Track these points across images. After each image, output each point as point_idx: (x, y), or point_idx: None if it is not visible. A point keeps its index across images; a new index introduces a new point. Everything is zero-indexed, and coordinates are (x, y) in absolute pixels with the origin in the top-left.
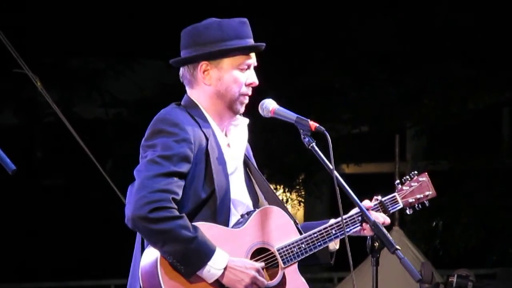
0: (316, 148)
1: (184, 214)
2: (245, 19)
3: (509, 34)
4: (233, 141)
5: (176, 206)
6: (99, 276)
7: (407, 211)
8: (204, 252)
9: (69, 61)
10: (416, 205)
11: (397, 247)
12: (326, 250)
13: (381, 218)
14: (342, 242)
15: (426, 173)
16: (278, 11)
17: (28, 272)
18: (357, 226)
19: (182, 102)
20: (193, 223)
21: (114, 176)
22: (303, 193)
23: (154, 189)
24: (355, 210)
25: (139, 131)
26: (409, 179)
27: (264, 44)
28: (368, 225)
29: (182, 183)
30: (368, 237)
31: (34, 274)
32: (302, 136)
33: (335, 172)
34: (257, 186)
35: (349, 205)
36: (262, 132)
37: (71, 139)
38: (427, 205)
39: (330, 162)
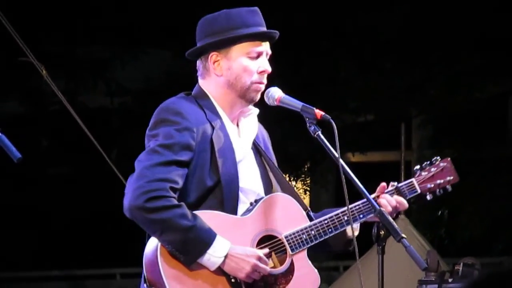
0: (322, 137)
1: (183, 203)
2: (255, 8)
3: None
4: (243, 130)
5: (174, 195)
6: (104, 265)
7: (427, 197)
8: (203, 241)
9: (75, 50)
10: (437, 190)
11: (403, 235)
12: (344, 237)
13: (394, 202)
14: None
15: (449, 159)
16: (284, 0)
17: (34, 260)
18: (371, 213)
19: (193, 92)
20: (195, 212)
21: (119, 165)
22: (308, 181)
23: (152, 178)
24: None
25: (145, 120)
26: (430, 164)
27: (273, 31)
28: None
29: (183, 171)
30: (374, 226)
31: (40, 262)
32: (308, 125)
33: (341, 161)
34: (272, 174)
35: (355, 194)
36: (267, 120)
37: (76, 128)
38: (449, 190)
39: (336, 151)
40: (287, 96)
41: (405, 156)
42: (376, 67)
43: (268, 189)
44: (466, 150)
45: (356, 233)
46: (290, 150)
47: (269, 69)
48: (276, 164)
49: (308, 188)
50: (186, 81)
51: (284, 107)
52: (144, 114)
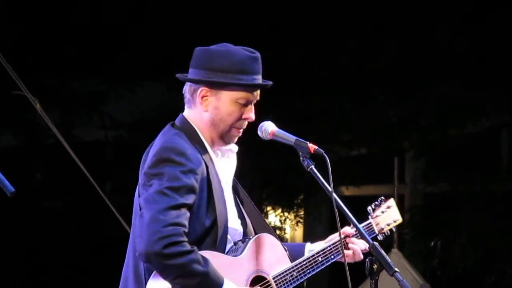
0: (315, 171)
1: (195, 247)
2: (256, 54)
3: (508, 56)
4: (223, 167)
5: (187, 239)
6: None
7: (379, 237)
8: (215, 285)
9: (69, 83)
10: (386, 232)
11: (396, 269)
12: None
13: (363, 245)
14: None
15: (392, 199)
16: (278, 33)
17: None
18: (340, 255)
19: (178, 123)
20: (201, 254)
21: (113, 198)
22: (302, 213)
23: (167, 223)
24: (336, 236)
25: (139, 153)
26: (379, 204)
27: (269, 83)
28: (352, 251)
29: (189, 214)
30: (367, 260)
31: None
32: (301, 159)
33: (334, 195)
34: (245, 212)
35: (348, 226)
36: (261, 153)
37: (71, 161)
38: (394, 231)
39: (329, 185)
40: (280, 130)
41: (398, 189)
42: (369, 100)
43: (245, 227)
44: (459, 183)
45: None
46: (284, 182)
47: (253, 118)
48: (250, 199)
49: (302, 220)
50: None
51: (278, 141)
52: (139, 147)
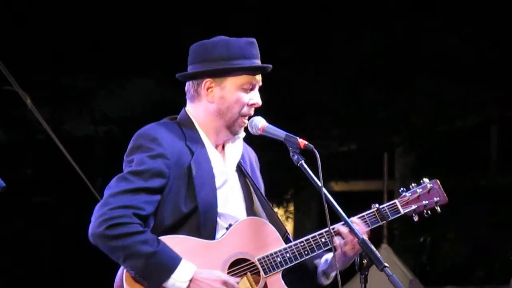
0: (305, 166)
1: (146, 229)
2: (253, 40)
3: (497, 52)
4: (228, 154)
5: (138, 221)
6: None
7: (414, 218)
8: (166, 266)
9: (60, 79)
10: (424, 211)
11: (386, 264)
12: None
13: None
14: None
15: (437, 180)
16: (267, 28)
17: None
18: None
19: (178, 117)
20: (163, 237)
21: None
22: (291, 209)
23: (115, 205)
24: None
25: None
26: (416, 185)
27: (270, 66)
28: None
29: (153, 198)
30: (357, 255)
31: None
32: (291, 154)
33: (324, 190)
34: (255, 197)
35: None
36: (251, 147)
37: (61, 156)
38: (438, 211)
39: (319, 180)
40: (270, 125)
41: (388, 185)
42: (359, 96)
43: (251, 212)
44: (448, 179)
45: (327, 281)
46: (273, 177)
47: (260, 102)
48: (262, 187)
49: (291, 215)
50: (170, 110)
51: (268, 136)
52: (129, 143)
